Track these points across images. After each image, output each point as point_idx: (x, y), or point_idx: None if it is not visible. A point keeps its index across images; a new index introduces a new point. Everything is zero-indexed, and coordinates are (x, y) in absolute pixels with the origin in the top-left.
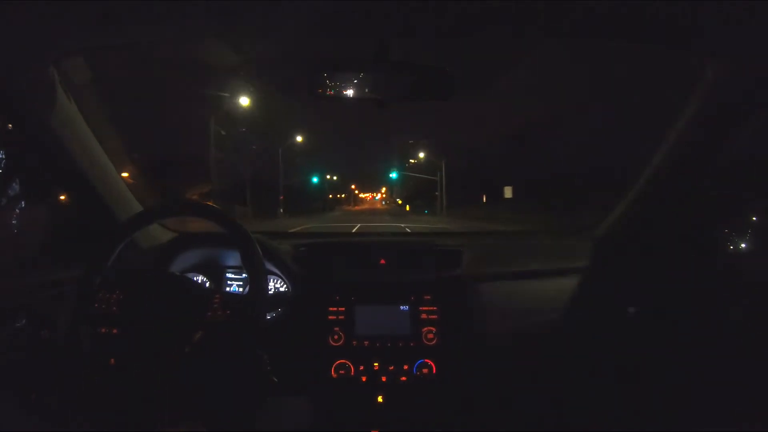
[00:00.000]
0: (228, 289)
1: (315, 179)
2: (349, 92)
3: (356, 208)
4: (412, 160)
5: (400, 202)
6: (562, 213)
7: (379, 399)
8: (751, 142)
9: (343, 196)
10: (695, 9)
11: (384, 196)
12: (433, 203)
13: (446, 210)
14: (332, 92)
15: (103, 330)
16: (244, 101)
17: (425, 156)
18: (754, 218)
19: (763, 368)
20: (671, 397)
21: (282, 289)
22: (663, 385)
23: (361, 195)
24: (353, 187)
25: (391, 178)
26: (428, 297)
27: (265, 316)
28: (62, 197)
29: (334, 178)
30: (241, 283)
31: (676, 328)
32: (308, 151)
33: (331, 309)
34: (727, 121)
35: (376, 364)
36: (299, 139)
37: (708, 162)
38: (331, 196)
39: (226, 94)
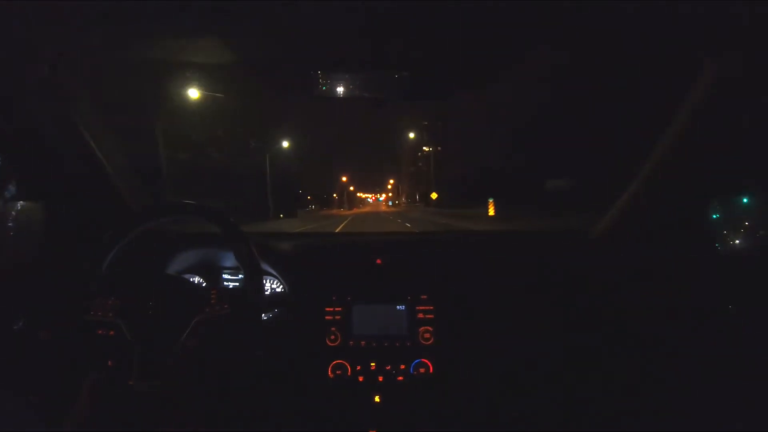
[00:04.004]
0: None
1: None
2: (349, 92)
3: (354, 210)
4: (425, 148)
5: (434, 196)
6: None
7: (376, 399)
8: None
9: (335, 196)
10: (696, 9)
11: (390, 195)
12: None
13: None
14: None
15: (100, 332)
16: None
17: None
18: (754, 218)
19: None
20: (673, 398)
21: (278, 290)
22: (664, 386)
23: (361, 195)
24: (344, 179)
25: None
26: (425, 296)
27: (262, 310)
28: (59, 199)
29: (284, 144)
30: (237, 283)
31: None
32: None
33: (327, 309)
34: (726, 120)
35: (372, 364)
36: None
37: (707, 161)
38: (328, 195)
39: (221, 95)
